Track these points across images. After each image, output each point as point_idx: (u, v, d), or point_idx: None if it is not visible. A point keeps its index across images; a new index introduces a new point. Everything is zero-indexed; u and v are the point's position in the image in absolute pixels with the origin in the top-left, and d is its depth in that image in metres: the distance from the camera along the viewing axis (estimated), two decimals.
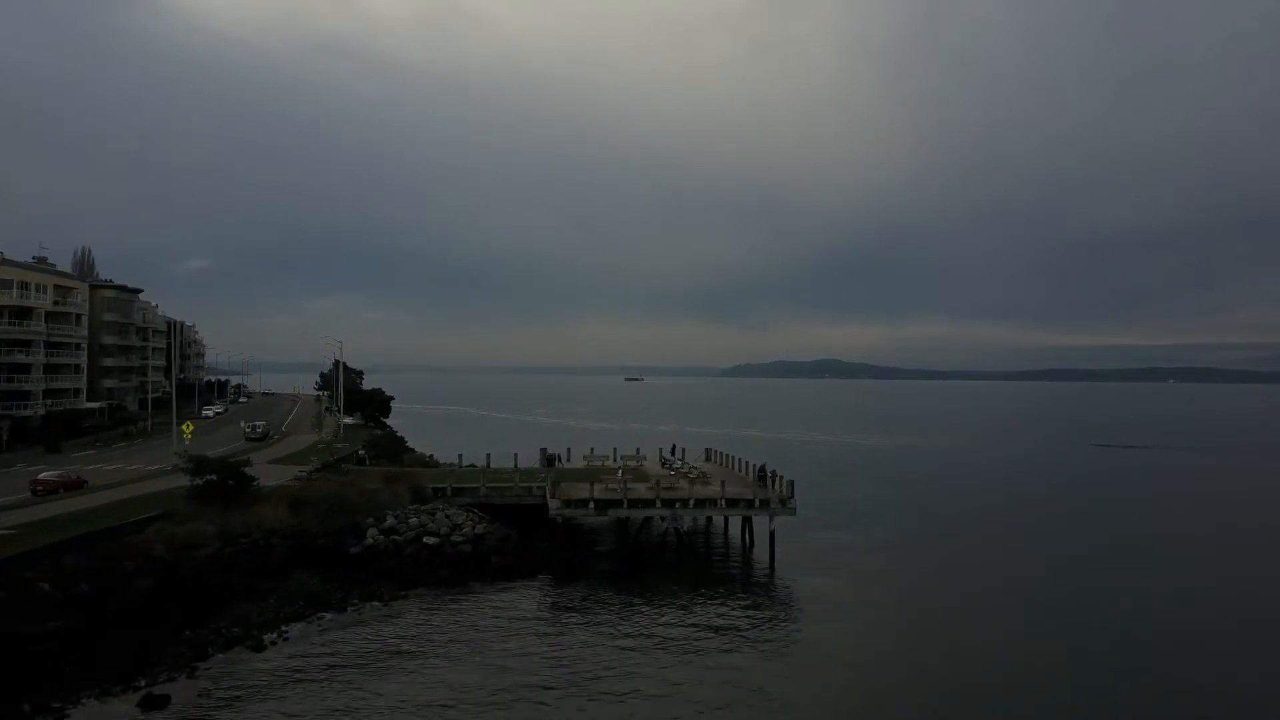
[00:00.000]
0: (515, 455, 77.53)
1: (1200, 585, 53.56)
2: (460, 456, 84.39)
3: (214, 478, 50.53)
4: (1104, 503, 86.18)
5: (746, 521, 61.76)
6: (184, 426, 70.53)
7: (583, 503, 56.49)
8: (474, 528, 53.75)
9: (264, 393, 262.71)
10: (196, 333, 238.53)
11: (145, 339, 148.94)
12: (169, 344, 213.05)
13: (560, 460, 79.60)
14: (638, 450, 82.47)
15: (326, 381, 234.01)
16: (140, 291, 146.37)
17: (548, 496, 57.46)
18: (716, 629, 42.59)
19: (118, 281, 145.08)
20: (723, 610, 45.88)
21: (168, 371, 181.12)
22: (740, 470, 70.85)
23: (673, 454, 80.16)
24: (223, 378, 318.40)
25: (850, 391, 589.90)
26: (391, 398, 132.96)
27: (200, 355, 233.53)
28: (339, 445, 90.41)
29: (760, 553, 58.20)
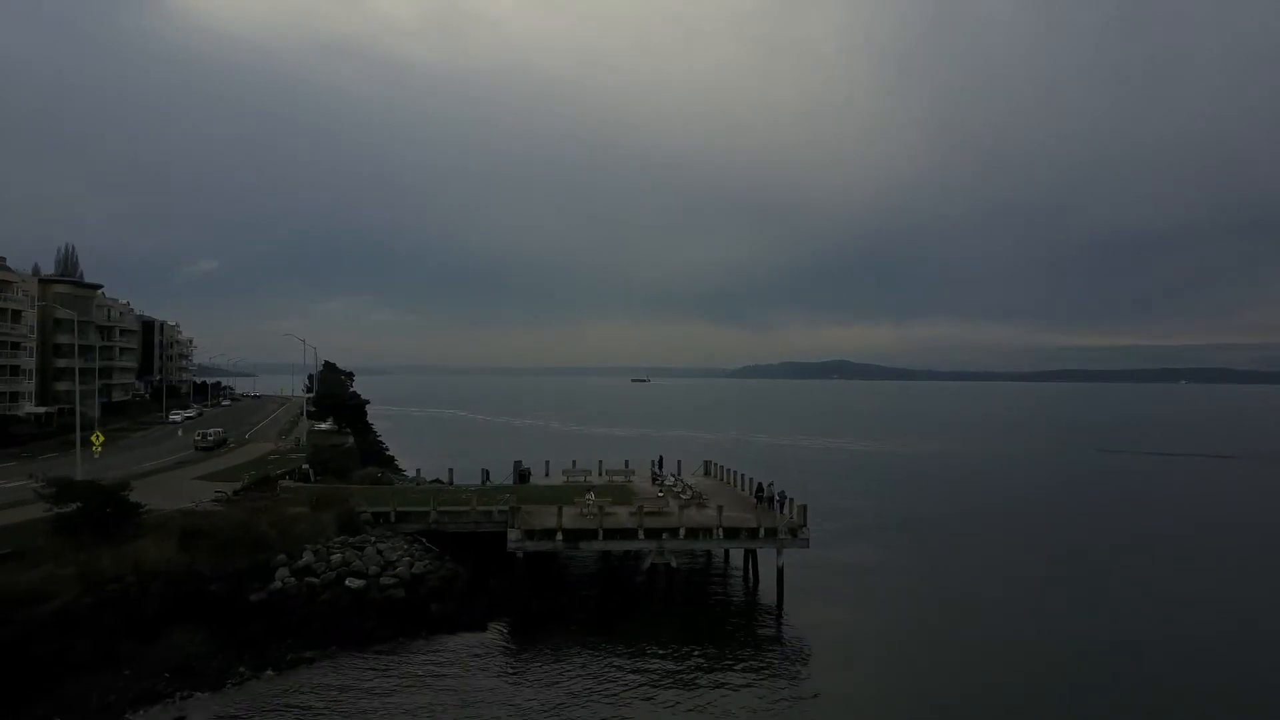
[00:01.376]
0: (484, 471, 67.44)
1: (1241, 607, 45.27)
2: (419, 471, 74.54)
3: (82, 506, 40.41)
4: (1144, 520, 75.54)
5: (750, 554, 51.53)
6: (94, 437, 60.48)
7: (549, 533, 46.30)
8: (411, 566, 43.54)
9: (253, 395, 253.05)
10: (179, 332, 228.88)
11: (109, 338, 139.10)
12: (158, 342, 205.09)
13: (534, 475, 69.51)
14: (626, 464, 72.19)
15: (322, 382, 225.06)
16: (99, 288, 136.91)
17: (508, 525, 47.21)
18: (709, 701, 32.47)
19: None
20: (719, 671, 35.77)
21: (140, 373, 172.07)
22: (743, 488, 60.61)
23: (662, 468, 69.75)
24: (214, 379, 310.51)
25: (859, 393, 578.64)
26: (367, 401, 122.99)
27: (184, 356, 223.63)
28: (295, 455, 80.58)
29: (766, 592, 48.05)
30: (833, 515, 70.46)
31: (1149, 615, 46.22)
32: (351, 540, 44.90)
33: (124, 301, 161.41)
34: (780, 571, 47.04)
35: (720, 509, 48.07)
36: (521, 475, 65.18)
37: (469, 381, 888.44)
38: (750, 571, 51.41)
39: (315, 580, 41.38)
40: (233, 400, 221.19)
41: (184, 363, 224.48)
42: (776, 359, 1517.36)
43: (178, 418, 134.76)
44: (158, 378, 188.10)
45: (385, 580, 42.14)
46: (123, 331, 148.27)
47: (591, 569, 51.48)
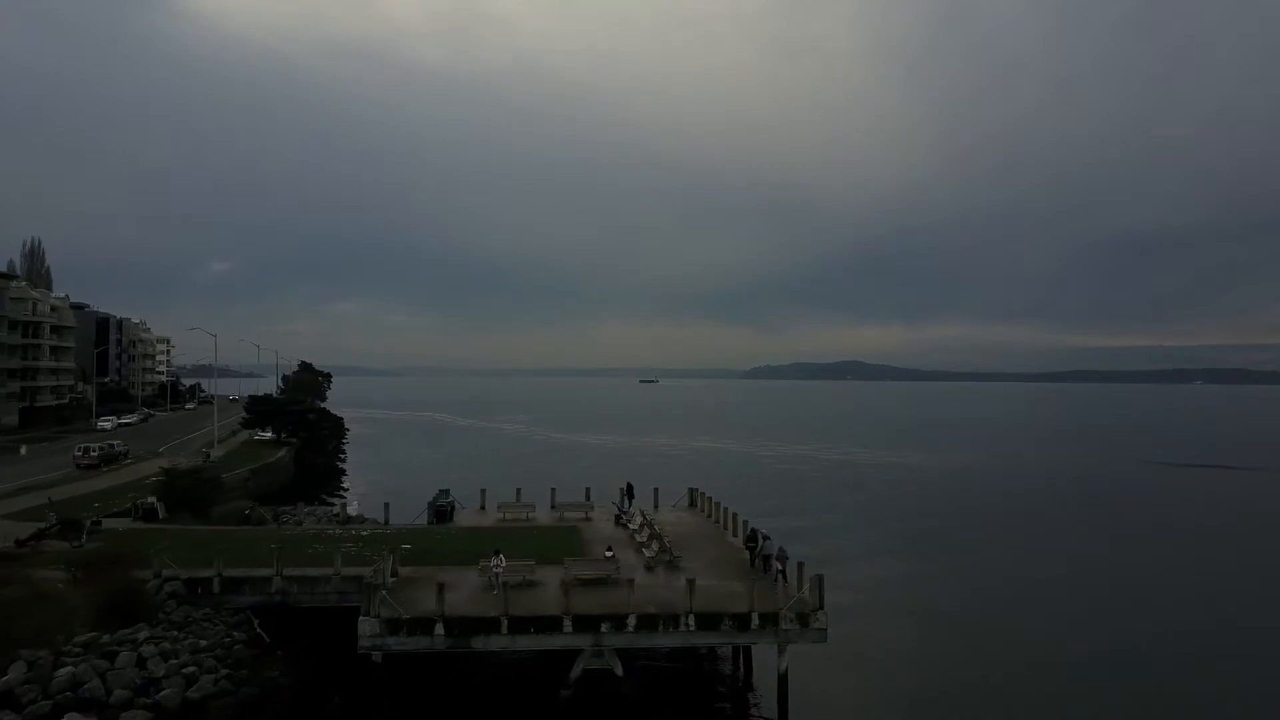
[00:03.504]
0: (386, 505, 51.06)
1: None
2: (349, 504, 58.26)
3: None
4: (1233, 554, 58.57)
5: (742, 650, 35.17)
6: None
7: (424, 625, 29.96)
8: (189, 685, 27.36)
9: (230, 398, 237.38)
10: (146, 330, 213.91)
11: (34, 335, 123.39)
12: (115, 341, 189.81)
13: (462, 509, 53.15)
14: (587, 493, 55.51)
15: (289, 384, 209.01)
16: (14, 279, 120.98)
17: (361, 610, 30.82)
18: None
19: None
20: None
21: (86, 375, 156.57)
22: (737, 533, 44.20)
23: (631, 502, 53.03)
24: (194, 381, 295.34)
25: (872, 394, 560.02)
26: (315, 408, 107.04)
27: (149, 356, 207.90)
28: (209, 470, 65.02)
29: (764, 704, 31.77)
30: (859, 565, 54.01)
31: None
32: (108, 639, 28.68)
33: (61, 296, 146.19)
34: (783, 678, 30.73)
35: (691, 585, 31.50)
36: (439, 513, 48.81)
37: (479, 383, 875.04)
38: (740, 674, 34.99)
39: (14, 718, 25.19)
40: (200, 403, 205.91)
41: (150, 363, 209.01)
42: (788, 360, 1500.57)
43: (107, 424, 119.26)
44: (107, 379, 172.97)
45: (138, 708, 25.95)
46: (55, 328, 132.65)
47: (498, 676, 35.07)
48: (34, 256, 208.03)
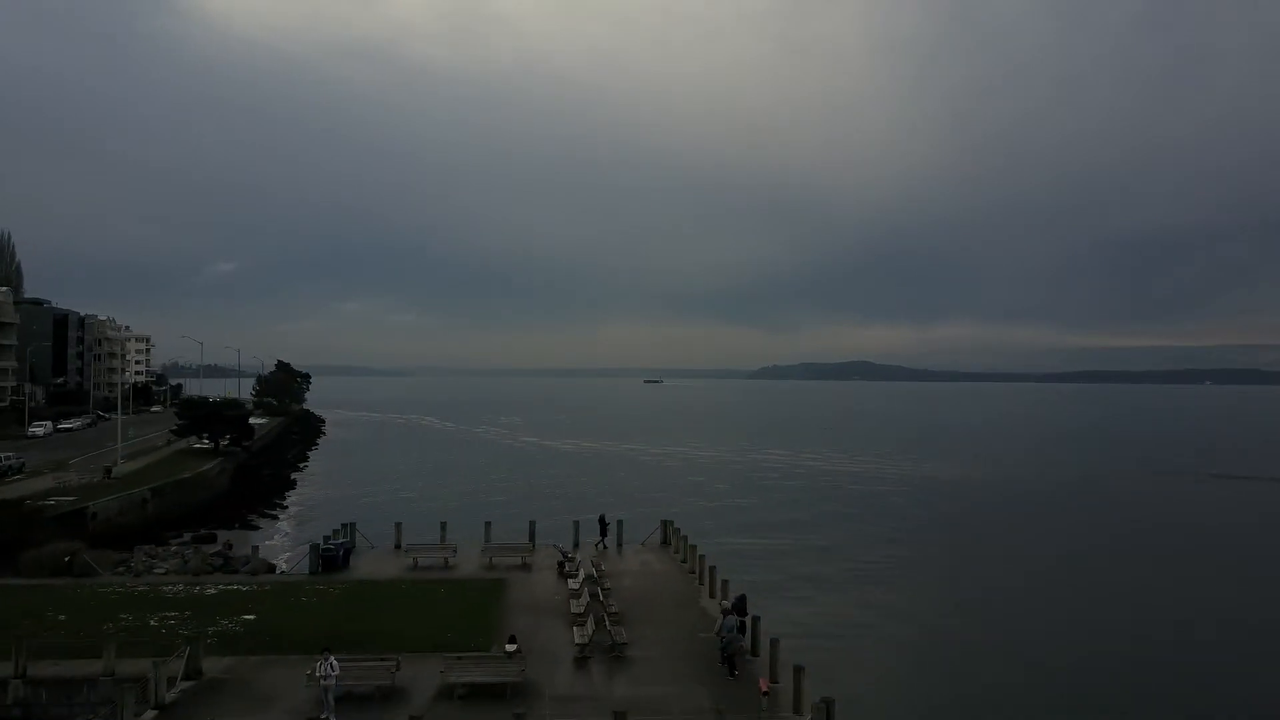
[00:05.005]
0: (226, 546, 39.51)
1: None
2: (256, 550, 46.45)
3: None
4: None
5: None
6: None
7: None
8: None
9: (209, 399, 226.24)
10: (116, 328, 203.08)
11: None
12: (74, 340, 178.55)
13: (376, 547, 41.51)
14: (530, 529, 43.70)
15: (265, 386, 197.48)
16: None
17: None
18: None
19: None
20: None
21: (34, 375, 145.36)
22: (717, 593, 32.57)
23: (602, 544, 41.48)
24: (177, 381, 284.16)
25: (881, 395, 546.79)
26: (249, 413, 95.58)
27: (114, 355, 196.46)
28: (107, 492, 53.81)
29: None
30: (878, 632, 42.22)
31: None
32: None
33: (3, 289, 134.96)
34: None
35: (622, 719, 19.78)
36: (327, 560, 37.05)
37: (482, 384, 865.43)
38: None
39: None
40: (161, 408, 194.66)
41: (118, 363, 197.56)
42: (796, 360, 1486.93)
43: (40, 430, 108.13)
44: (63, 380, 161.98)
45: None
46: None
47: None
48: (4, 252, 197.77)
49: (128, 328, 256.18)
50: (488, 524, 43.29)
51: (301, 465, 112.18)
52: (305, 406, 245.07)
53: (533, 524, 43.77)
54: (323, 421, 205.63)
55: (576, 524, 43.73)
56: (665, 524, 43.91)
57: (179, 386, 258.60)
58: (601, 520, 43.06)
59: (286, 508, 78.60)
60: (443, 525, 42.99)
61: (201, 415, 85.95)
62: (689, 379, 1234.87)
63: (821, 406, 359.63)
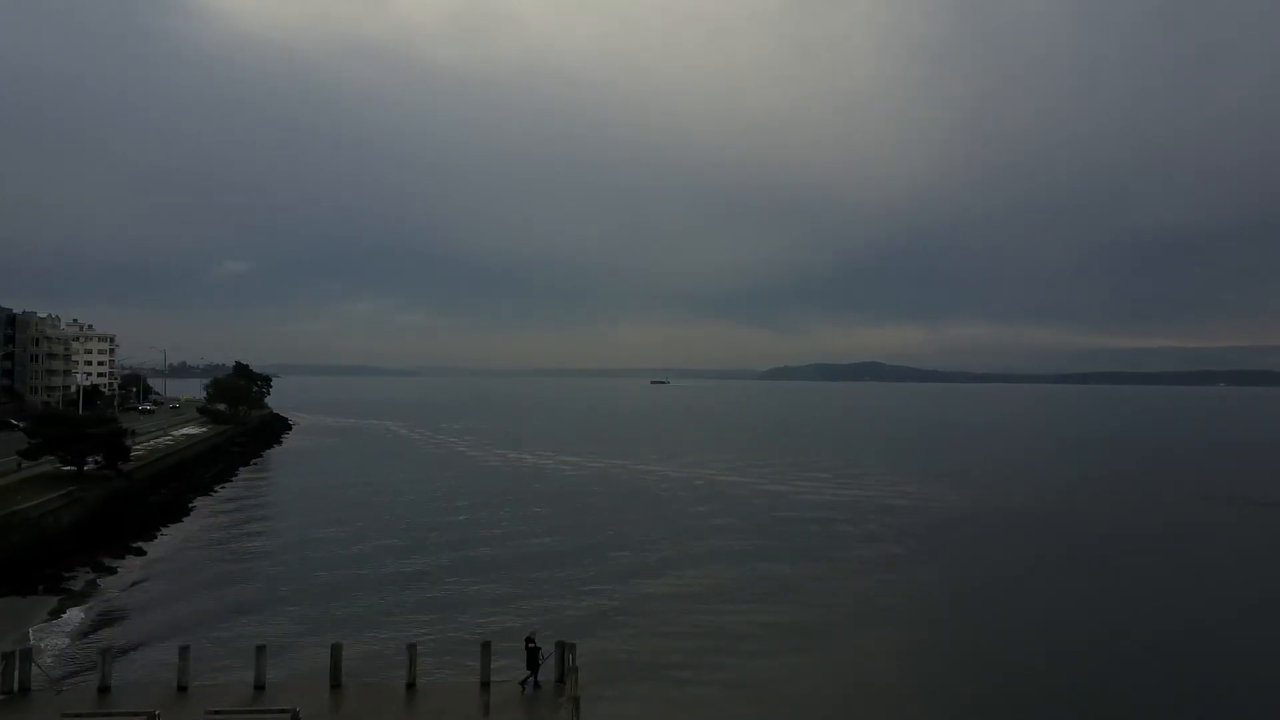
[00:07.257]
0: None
1: None
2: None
3: None
4: None
5: None
6: None
7: None
8: None
9: (173, 405, 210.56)
10: (53, 326, 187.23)
11: None
12: (17, 341, 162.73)
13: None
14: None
15: (219, 388, 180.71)
16: None
17: None
18: None
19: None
20: None
21: None
22: None
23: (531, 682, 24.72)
24: (149, 383, 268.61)
25: (893, 397, 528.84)
26: (124, 430, 78.87)
27: (56, 355, 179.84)
28: None
29: None
30: None
31: None
32: None
33: None
34: None
35: None
36: None
37: (487, 384, 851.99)
38: None
39: None
40: (143, 411, 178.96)
41: (62, 364, 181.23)
42: (806, 360, 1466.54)
43: None
44: (7, 383, 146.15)
45: None
46: None
47: None
48: None
49: (90, 326, 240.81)
50: (258, 649, 26.22)
51: (217, 489, 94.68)
52: (277, 411, 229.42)
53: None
54: (288, 429, 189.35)
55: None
56: (560, 645, 26.66)
57: (142, 390, 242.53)
58: (529, 645, 26.01)
59: (145, 553, 61.75)
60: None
61: (58, 434, 69.28)
62: (700, 379, 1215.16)
63: (829, 408, 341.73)
